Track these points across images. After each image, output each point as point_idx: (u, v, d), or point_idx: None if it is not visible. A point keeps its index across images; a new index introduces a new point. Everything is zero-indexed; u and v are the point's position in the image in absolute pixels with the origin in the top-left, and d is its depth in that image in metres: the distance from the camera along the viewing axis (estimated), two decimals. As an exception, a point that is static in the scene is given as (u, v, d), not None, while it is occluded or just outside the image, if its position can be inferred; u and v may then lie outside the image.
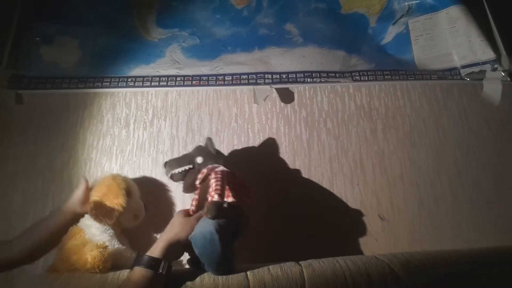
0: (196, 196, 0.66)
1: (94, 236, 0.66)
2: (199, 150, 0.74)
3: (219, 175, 0.64)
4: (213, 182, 0.63)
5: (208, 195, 0.63)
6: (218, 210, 0.58)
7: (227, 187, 0.63)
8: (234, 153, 0.89)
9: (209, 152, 0.73)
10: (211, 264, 0.58)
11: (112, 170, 0.86)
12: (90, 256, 0.61)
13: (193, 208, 0.66)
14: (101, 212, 0.66)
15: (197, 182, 0.66)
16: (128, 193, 0.71)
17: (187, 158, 0.73)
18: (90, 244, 0.64)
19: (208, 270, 0.60)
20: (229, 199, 0.64)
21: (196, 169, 0.71)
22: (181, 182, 0.72)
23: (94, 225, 0.67)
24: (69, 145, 0.87)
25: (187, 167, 0.71)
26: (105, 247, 0.64)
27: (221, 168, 0.68)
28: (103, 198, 0.67)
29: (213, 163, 0.70)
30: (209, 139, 0.75)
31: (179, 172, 0.71)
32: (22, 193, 0.83)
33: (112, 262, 0.63)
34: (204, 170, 0.67)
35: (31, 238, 0.65)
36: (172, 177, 0.73)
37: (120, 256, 0.65)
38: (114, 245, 0.66)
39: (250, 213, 0.68)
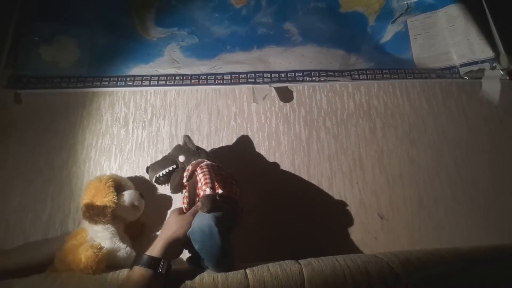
0: (186, 194, 0.66)
1: (96, 233, 0.66)
2: (178, 149, 0.74)
3: (205, 169, 0.64)
4: (201, 177, 0.62)
5: (199, 190, 0.63)
6: (213, 202, 0.58)
7: (215, 179, 0.63)
8: (233, 152, 0.89)
9: (189, 149, 0.72)
10: (211, 258, 0.58)
11: (111, 169, 0.86)
12: (84, 256, 0.60)
13: (185, 205, 0.66)
14: (93, 213, 0.66)
15: (184, 180, 0.66)
16: (118, 188, 0.71)
17: (169, 159, 0.72)
18: (85, 244, 0.63)
19: (208, 265, 0.60)
20: (219, 190, 0.64)
21: (180, 168, 0.71)
22: (167, 184, 0.72)
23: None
24: (68, 145, 0.87)
25: (171, 168, 0.71)
26: (100, 248, 0.63)
27: (206, 162, 0.68)
28: (93, 199, 0.67)
29: (196, 159, 0.70)
30: (187, 137, 0.74)
31: (163, 174, 0.71)
32: (21, 192, 0.82)
33: (108, 263, 0.63)
34: (189, 167, 0.66)
35: (31, 255, 0.65)
36: (158, 181, 0.72)
37: (116, 256, 0.65)
38: (115, 242, 0.66)
39: (243, 202, 0.69)
